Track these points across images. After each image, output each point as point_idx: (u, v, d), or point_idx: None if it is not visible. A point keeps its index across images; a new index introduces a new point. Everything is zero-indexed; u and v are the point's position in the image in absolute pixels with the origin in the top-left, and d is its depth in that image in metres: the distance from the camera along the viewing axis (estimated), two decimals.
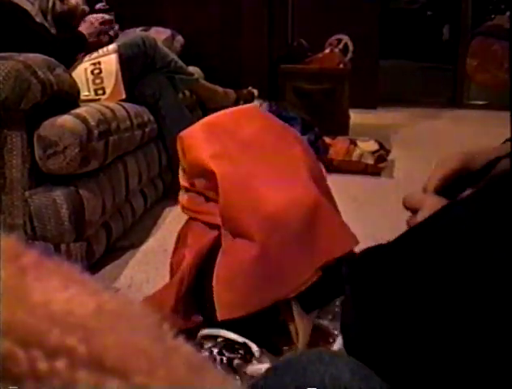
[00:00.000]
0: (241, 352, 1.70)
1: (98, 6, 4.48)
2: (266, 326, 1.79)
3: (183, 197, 2.02)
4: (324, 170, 2.09)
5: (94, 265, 2.46)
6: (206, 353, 1.69)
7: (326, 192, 1.91)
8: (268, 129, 2.00)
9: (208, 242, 1.87)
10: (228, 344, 1.71)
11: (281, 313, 1.76)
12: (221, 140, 1.92)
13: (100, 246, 2.54)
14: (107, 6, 4.49)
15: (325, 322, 1.83)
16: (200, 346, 1.73)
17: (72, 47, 3.27)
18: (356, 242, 1.80)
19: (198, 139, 1.94)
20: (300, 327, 1.74)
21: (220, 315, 1.70)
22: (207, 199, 1.93)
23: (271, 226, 1.72)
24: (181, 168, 2.04)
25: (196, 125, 2.03)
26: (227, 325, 1.72)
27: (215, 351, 1.70)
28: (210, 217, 1.89)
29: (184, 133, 2.01)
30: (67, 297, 0.28)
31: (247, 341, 1.71)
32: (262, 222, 1.73)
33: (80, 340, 0.26)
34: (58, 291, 0.28)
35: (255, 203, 1.76)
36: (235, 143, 1.91)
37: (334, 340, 1.78)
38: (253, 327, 1.74)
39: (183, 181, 2.02)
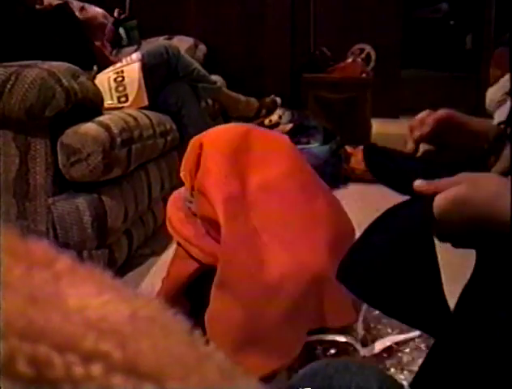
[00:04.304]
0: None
1: (116, 13, 4.54)
2: None
3: (175, 212, 1.90)
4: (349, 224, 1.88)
5: (116, 272, 2.47)
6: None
7: (337, 254, 1.77)
8: (294, 173, 1.83)
9: (186, 274, 1.79)
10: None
11: None
12: (245, 173, 1.76)
13: (121, 253, 2.55)
14: (123, 14, 4.54)
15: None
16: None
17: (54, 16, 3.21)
18: (355, 319, 1.75)
19: (217, 172, 1.75)
20: None
21: None
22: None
23: (270, 292, 1.62)
24: (186, 176, 1.87)
25: (223, 145, 1.82)
26: None
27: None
28: (197, 252, 1.77)
29: (208, 146, 1.81)
30: (102, 303, 0.28)
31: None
32: (261, 286, 1.62)
33: (115, 346, 0.26)
34: (93, 297, 0.29)
35: (260, 262, 1.63)
36: (256, 184, 1.76)
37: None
38: None
39: (184, 195, 1.89)
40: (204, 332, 1.63)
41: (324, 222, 1.75)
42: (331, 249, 1.69)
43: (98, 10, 4.17)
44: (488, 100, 4.33)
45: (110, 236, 2.39)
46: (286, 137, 1.98)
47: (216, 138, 1.86)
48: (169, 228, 1.88)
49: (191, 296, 1.83)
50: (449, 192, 0.90)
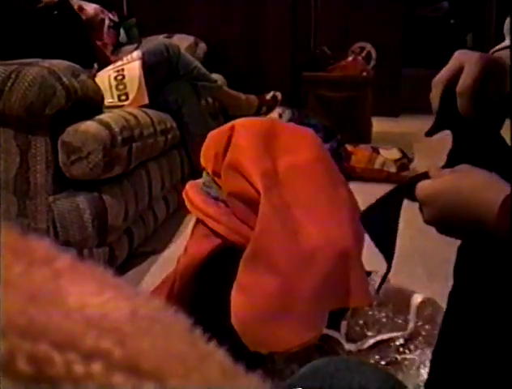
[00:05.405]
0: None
1: (114, 16, 4.53)
2: None
3: (196, 194, 1.90)
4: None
5: (116, 270, 2.46)
6: None
7: (360, 238, 1.81)
8: (320, 160, 1.90)
9: (207, 251, 1.79)
10: None
11: None
12: (274, 156, 1.82)
13: (122, 252, 2.55)
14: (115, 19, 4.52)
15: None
16: None
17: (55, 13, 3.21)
18: (371, 301, 1.80)
19: (252, 149, 1.81)
20: None
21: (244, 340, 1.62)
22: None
23: (304, 263, 1.65)
24: (209, 160, 1.89)
25: (255, 128, 1.90)
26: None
27: None
28: (223, 228, 1.78)
29: (241, 127, 1.87)
30: (102, 301, 0.28)
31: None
32: (296, 257, 1.66)
33: (116, 344, 0.26)
34: (93, 295, 0.28)
35: (293, 234, 1.68)
36: (285, 165, 1.82)
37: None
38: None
39: (203, 181, 1.91)
40: (226, 307, 1.65)
41: (346, 205, 1.83)
42: (353, 230, 1.76)
43: (95, 7, 4.15)
44: None
45: (111, 234, 2.39)
46: (310, 129, 2.07)
47: (248, 123, 1.94)
48: (191, 208, 1.90)
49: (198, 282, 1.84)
50: (437, 179, 0.98)
